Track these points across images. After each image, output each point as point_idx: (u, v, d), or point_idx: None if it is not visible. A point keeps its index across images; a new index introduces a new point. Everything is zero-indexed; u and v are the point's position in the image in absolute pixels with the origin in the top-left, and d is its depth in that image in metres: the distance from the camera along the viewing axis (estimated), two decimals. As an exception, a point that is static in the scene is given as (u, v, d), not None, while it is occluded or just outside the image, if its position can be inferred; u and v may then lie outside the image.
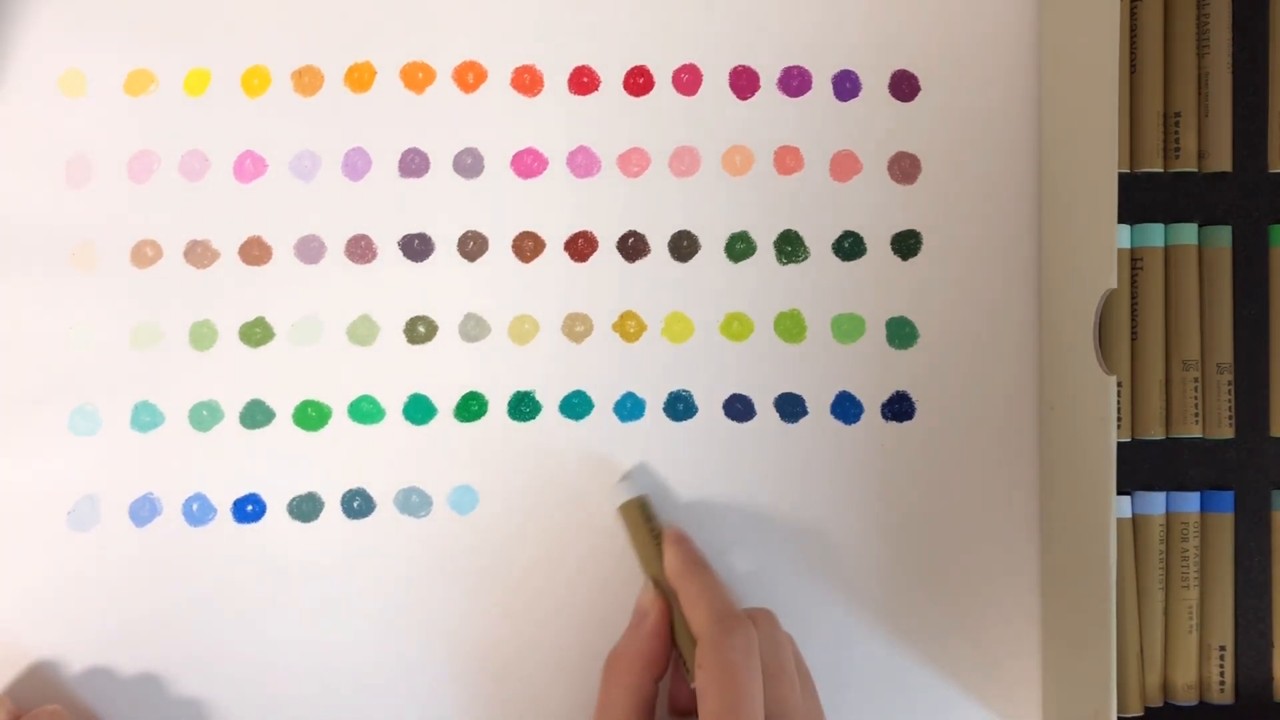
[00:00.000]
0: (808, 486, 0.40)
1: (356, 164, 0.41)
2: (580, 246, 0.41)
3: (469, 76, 0.41)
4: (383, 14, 0.41)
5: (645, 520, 0.38)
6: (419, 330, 0.40)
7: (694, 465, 0.40)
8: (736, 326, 0.40)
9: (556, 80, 0.41)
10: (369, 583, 0.40)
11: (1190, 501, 0.40)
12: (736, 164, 0.41)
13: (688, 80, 0.41)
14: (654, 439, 0.40)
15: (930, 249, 0.41)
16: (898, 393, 0.40)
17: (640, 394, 0.40)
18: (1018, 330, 0.40)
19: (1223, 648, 0.40)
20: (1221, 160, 0.40)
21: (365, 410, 0.40)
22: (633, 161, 0.41)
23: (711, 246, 0.41)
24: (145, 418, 0.40)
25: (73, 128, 0.40)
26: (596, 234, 0.41)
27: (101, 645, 0.39)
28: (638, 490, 0.39)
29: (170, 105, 0.41)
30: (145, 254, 0.40)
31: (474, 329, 0.40)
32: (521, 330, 0.40)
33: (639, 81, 0.41)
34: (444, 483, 0.40)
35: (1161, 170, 0.40)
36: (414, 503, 0.40)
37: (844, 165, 0.41)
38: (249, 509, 0.40)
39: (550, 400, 0.40)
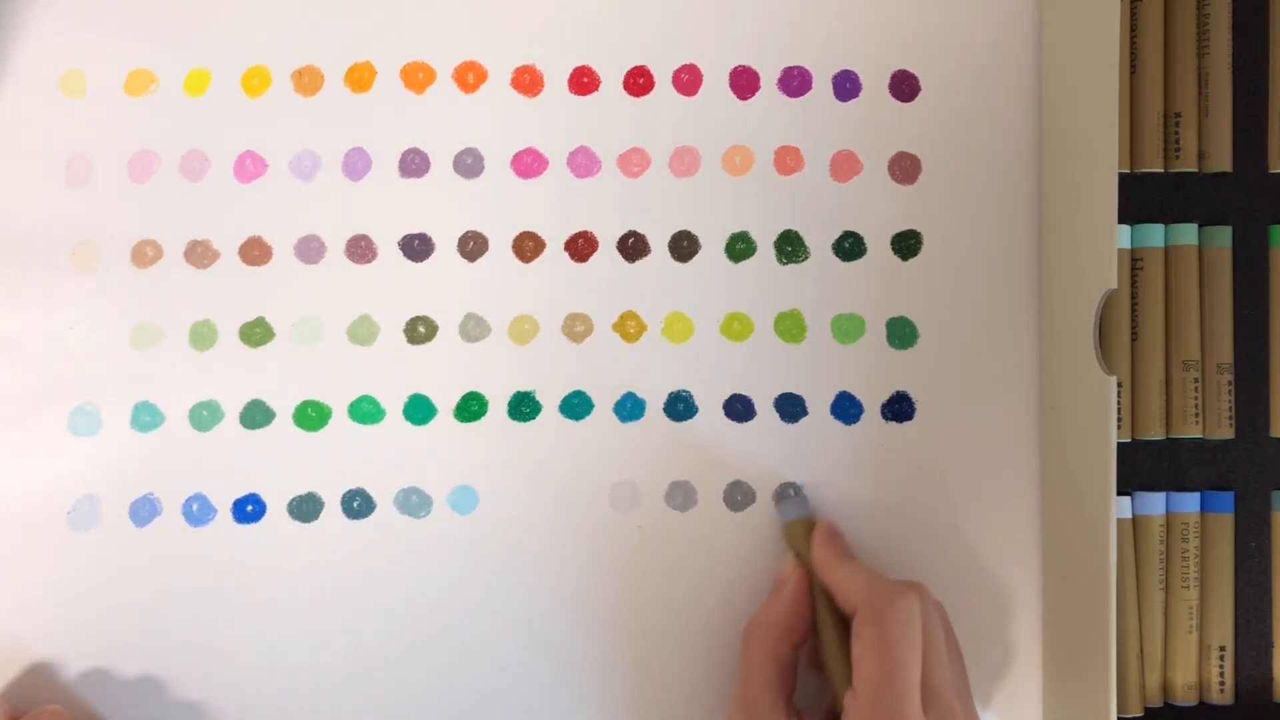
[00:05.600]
0: (808, 488, 0.40)
1: (356, 164, 0.41)
2: (580, 246, 0.41)
3: (469, 76, 0.41)
4: (383, 14, 0.41)
5: (807, 537, 0.38)
6: (419, 330, 0.40)
7: (694, 465, 0.40)
8: (736, 326, 0.40)
9: (556, 80, 0.41)
10: (368, 583, 0.40)
11: (1190, 502, 0.40)
12: (736, 164, 0.41)
13: (688, 80, 0.41)
14: (654, 439, 0.40)
15: (930, 249, 0.41)
16: (898, 393, 0.40)
17: (640, 394, 0.40)
18: (1018, 330, 0.40)
19: (1223, 648, 0.40)
20: (1221, 160, 0.40)
21: (365, 410, 0.40)
22: (633, 161, 0.41)
23: (711, 246, 0.41)
24: (145, 418, 0.40)
25: (73, 128, 0.40)
26: (596, 234, 0.41)
27: (101, 645, 0.39)
28: (803, 510, 0.39)
29: (170, 105, 0.41)
30: (145, 254, 0.40)
31: (474, 329, 0.40)
32: (521, 330, 0.40)
33: (639, 81, 0.41)
34: (444, 483, 0.40)
35: (1161, 170, 0.40)
36: (414, 503, 0.40)
37: (844, 165, 0.41)
38: (249, 509, 0.40)
39: (550, 400, 0.40)
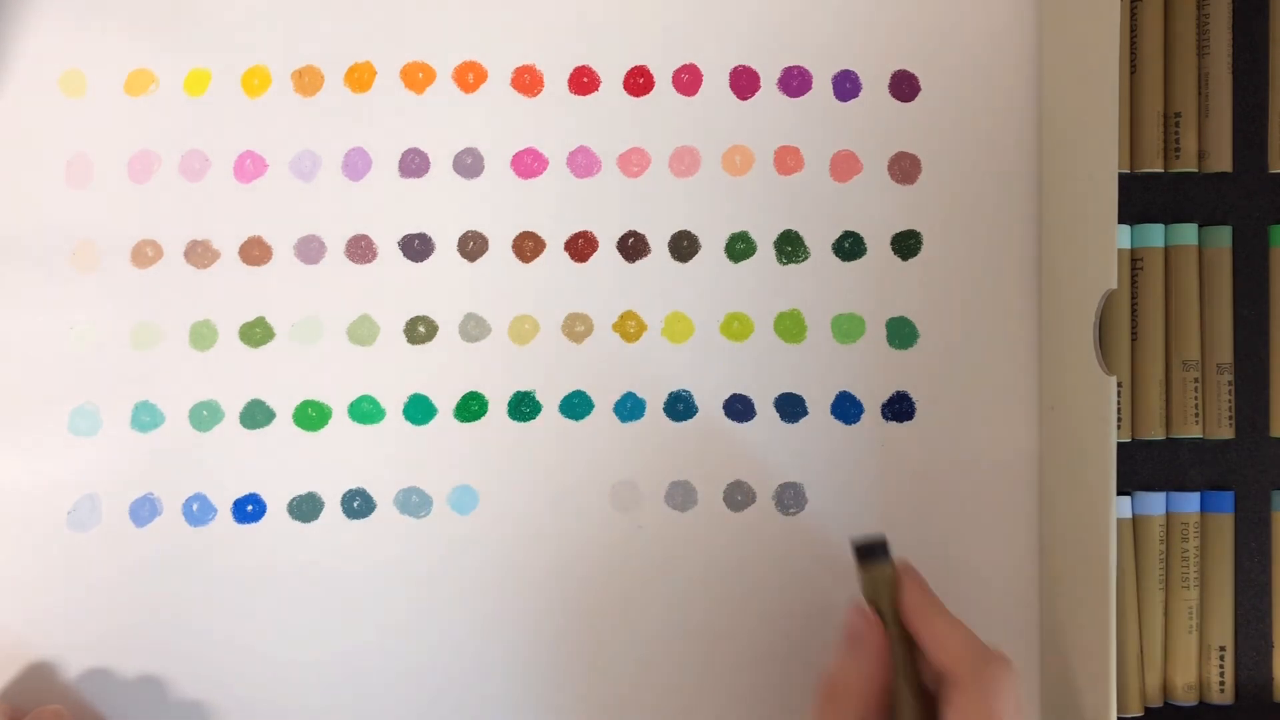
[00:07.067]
0: (808, 487, 0.40)
1: (356, 164, 0.41)
2: (580, 246, 0.41)
3: (469, 76, 0.41)
4: (383, 14, 0.41)
5: (888, 588, 0.35)
6: (419, 330, 0.40)
7: (694, 465, 0.40)
8: (736, 326, 0.40)
9: (556, 80, 0.41)
10: (369, 583, 0.40)
11: (1190, 501, 0.40)
12: (736, 164, 0.41)
13: (688, 80, 0.41)
14: (654, 439, 0.40)
15: (930, 249, 0.41)
16: (898, 393, 0.40)
17: (640, 394, 0.40)
18: (1018, 330, 0.40)
19: (1223, 648, 0.40)
20: (1221, 160, 0.40)
21: (365, 410, 0.40)
22: (633, 161, 0.41)
23: (711, 246, 0.41)
24: (145, 418, 0.40)
25: (73, 128, 0.40)
26: (596, 234, 0.41)
27: (101, 645, 0.39)
28: (885, 558, 0.35)
29: (170, 105, 0.41)
30: (145, 254, 0.40)
31: (474, 329, 0.40)
32: (521, 330, 0.40)
33: (639, 81, 0.41)
34: (444, 483, 0.40)
35: (1161, 170, 0.40)
36: (414, 503, 0.40)
37: (844, 165, 0.41)
38: (249, 509, 0.40)
39: (550, 400, 0.40)
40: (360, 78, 0.41)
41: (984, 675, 0.31)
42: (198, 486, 0.40)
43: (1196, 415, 0.40)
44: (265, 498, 0.40)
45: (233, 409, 0.40)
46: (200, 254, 0.40)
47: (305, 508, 0.40)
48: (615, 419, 0.40)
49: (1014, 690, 0.31)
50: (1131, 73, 0.40)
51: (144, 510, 0.40)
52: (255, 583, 0.40)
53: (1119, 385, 0.40)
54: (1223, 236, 0.40)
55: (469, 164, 0.41)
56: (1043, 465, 0.40)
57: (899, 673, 0.34)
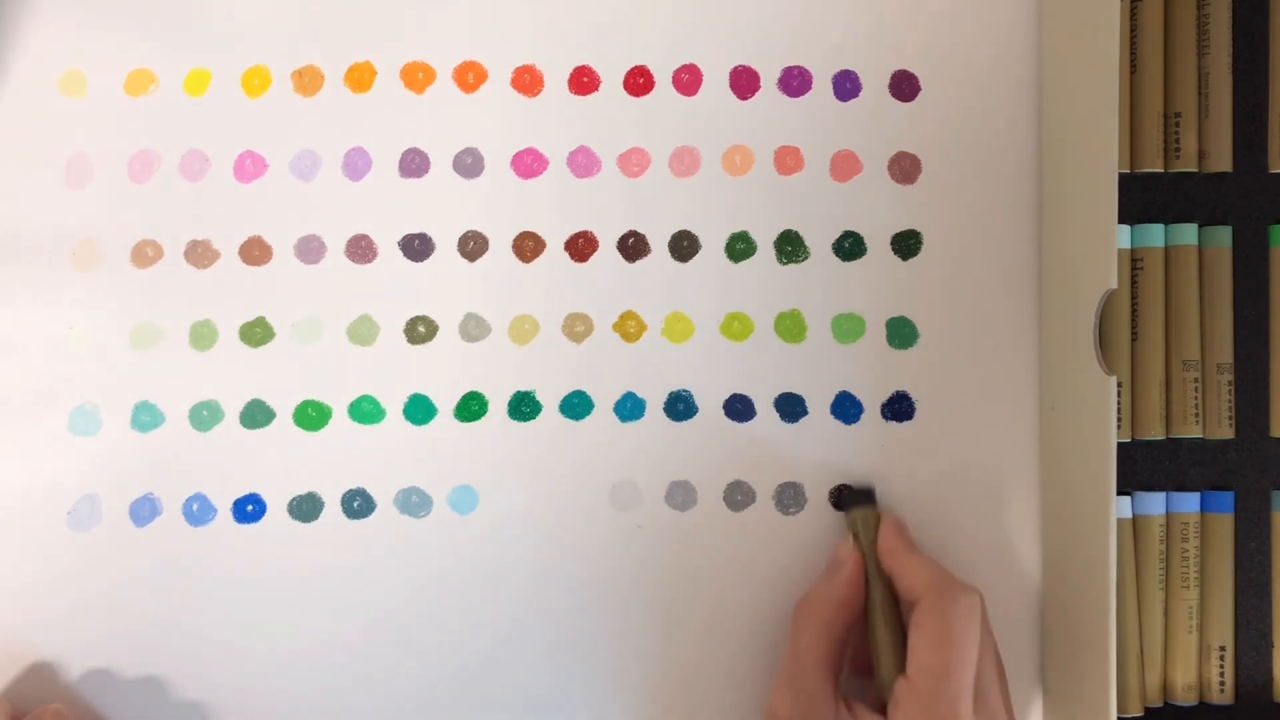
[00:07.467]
0: (808, 487, 0.40)
1: (356, 164, 0.41)
2: (580, 246, 0.41)
3: (469, 76, 0.41)
4: (383, 14, 0.41)
5: (870, 526, 0.38)
6: (419, 330, 0.40)
7: (694, 465, 0.40)
8: (736, 326, 0.40)
9: (556, 80, 0.41)
10: (368, 583, 0.40)
11: (1190, 501, 0.40)
12: (736, 164, 0.41)
13: (688, 80, 0.41)
14: (654, 439, 0.40)
15: (930, 249, 0.41)
16: (898, 393, 0.40)
17: (640, 394, 0.40)
18: (1018, 330, 0.40)
19: (1223, 648, 0.40)
20: (1221, 160, 0.40)
21: (365, 410, 0.40)
22: (633, 161, 0.41)
23: (711, 246, 0.41)
24: (145, 418, 0.40)
25: (73, 128, 0.40)
26: (596, 234, 0.41)
27: (101, 645, 0.39)
28: (870, 501, 0.39)
29: (170, 105, 0.41)
30: (145, 254, 0.40)
31: (474, 329, 0.40)
32: (521, 330, 0.40)
33: (639, 81, 0.41)
34: (444, 483, 0.40)
35: (1161, 170, 0.40)
36: (414, 503, 0.40)
37: (844, 165, 0.41)
38: (249, 509, 0.40)
39: (550, 400, 0.40)
40: (360, 78, 0.41)
41: (945, 597, 0.34)
42: (198, 486, 0.40)
43: (1196, 415, 0.40)
44: (265, 498, 0.40)
45: (233, 409, 0.40)
46: (200, 254, 0.40)
47: (305, 508, 0.40)
48: (615, 419, 0.40)
49: (974, 613, 0.34)
50: (1131, 73, 0.40)
51: (144, 510, 0.40)
52: (255, 583, 0.40)
53: (1119, 385, 0.40)
54: (1223, 236, 0.40)
55: (469, 164, 0.41)
56: (1043, 465, 0.40)
57: (875, 606, 0.37)
